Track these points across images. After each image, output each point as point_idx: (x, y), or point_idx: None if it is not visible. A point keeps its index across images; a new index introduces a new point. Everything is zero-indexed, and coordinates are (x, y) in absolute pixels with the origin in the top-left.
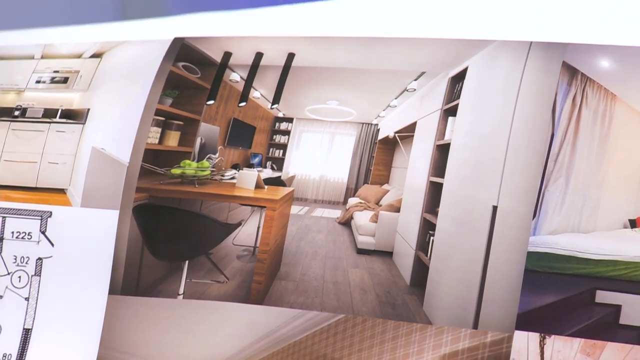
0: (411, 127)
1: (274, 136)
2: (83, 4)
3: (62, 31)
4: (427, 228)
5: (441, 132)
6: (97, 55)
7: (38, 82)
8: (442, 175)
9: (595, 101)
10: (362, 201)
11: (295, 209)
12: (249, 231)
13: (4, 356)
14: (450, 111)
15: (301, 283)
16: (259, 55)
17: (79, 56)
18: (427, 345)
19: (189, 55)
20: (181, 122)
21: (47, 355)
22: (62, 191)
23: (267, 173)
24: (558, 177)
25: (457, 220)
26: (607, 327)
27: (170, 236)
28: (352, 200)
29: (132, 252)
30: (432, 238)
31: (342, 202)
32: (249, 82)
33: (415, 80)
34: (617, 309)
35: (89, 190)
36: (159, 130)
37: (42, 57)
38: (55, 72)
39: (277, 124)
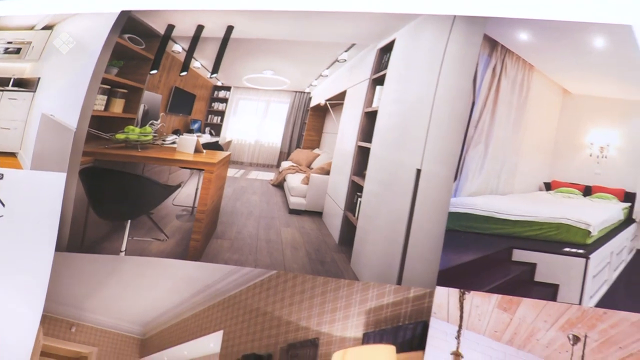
0: (341, 96)
1: (213, 104)
2: None
3: (15, 3)
4: (355, 190)
5: (369, 100)
6: (48, 27)
7: None
8: (369, 140)
9: (513, 71)
10: (295, 164)
11: (231, 172)
12: (187, 192)
13: None
14: (378, 80)
15: (236, 241)
16: (200, 28)
17: (32, 28)
18: (354, 300)
19: (134, 27)
20: (126, 91)
21: None
22: (13, 155)
23: (206, 138)
24: (478, 143)
25: (383, 182)
26: (523, 284)
27: (113, 197)
28: (285, 164)
29: (77, 211)
30: (359, 199)
31: (276, 165)
32: (190, 53)
33: (346, 51)
34: (532, 267)
35: (39, 154)
36: (105, 98)
37: None
38: (8, 43)
39: (215, 92)
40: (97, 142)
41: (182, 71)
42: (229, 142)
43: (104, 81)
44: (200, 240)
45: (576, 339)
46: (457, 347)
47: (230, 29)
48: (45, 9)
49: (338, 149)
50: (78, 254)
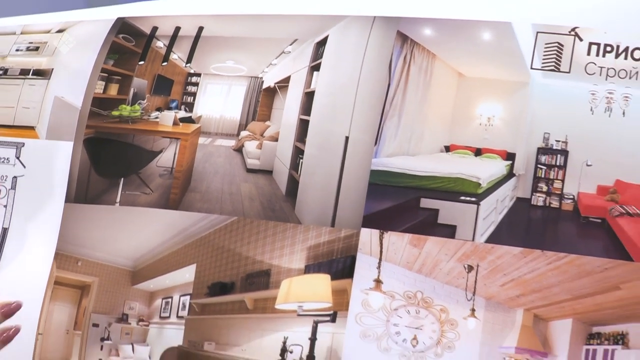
0: (287, 80)
1: (187, 87)
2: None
3: (38, 17)
4: (298, 153)
5: (308, 82)
6: (60, 31)
7: (17, 50)
8: (308, 114)
9: (420, 59)
10: (251, 133)
11: (201, 140)
12: (167, 156)
13: None
14: (315, 67)
15: (206, 194)
16: (177, 28)
17: (48, 32)
18: (297, 240)
19: (127, 29)
20: (119, 77)
21: (19, 246)
22: (32, 128)
23: (182, 114)
24: (393, 115)
25: (319, 147)
26: (429, 225)
27: (110, 160)
28: (243, 133)
29: (82, 172)
30: (301, 160)
31: (236, 134)
32: (169, 48)
33: (290, 45)
34: (436, 212)
35: (52, 127)
36: (103, 83)
37: (21, 33)
38: (30, 43)
39: (189, 78)
40: (97, 118)
41: (163, 62)
42: (200, 117)
43: (103, 70)
44: (178, 193)
45: (470, 268)
46: (378, 276)
47: (201, 29)
48: (58, 18)
49: (284, 121)
50: (83, 204)
